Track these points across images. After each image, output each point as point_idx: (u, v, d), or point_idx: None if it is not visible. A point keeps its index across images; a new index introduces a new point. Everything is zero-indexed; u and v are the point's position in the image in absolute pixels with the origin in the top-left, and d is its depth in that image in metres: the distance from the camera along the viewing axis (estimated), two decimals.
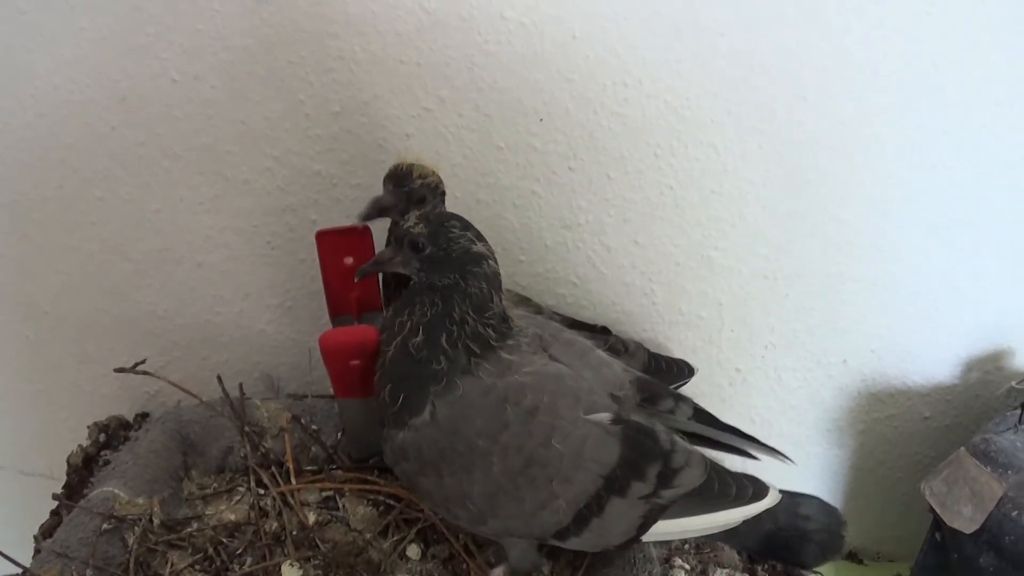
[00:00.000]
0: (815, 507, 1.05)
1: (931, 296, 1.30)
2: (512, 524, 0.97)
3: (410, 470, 0.94)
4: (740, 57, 1.13)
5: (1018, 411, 1.23)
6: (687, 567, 1.13)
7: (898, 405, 1.39)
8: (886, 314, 1.31)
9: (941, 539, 1.24)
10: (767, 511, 1.00)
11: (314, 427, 1.18)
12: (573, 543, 0.97)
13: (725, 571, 1.15)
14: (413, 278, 0.93)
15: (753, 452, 1.05)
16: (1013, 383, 1.27)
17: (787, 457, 1.05)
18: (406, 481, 0.98)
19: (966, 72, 1.15)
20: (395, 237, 0.94)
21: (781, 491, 1.01)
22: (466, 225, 0.93)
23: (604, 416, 0.95)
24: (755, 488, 1.00)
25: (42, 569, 0.95)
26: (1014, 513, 1.11)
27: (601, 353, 1.01)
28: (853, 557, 1.54)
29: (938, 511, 1.18)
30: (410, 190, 1.04)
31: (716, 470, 0.99)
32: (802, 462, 1.44)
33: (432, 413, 0.92)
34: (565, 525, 0.96)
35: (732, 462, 1.03)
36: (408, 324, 0.93)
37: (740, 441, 1.04)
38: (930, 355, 1.35)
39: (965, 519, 1.15)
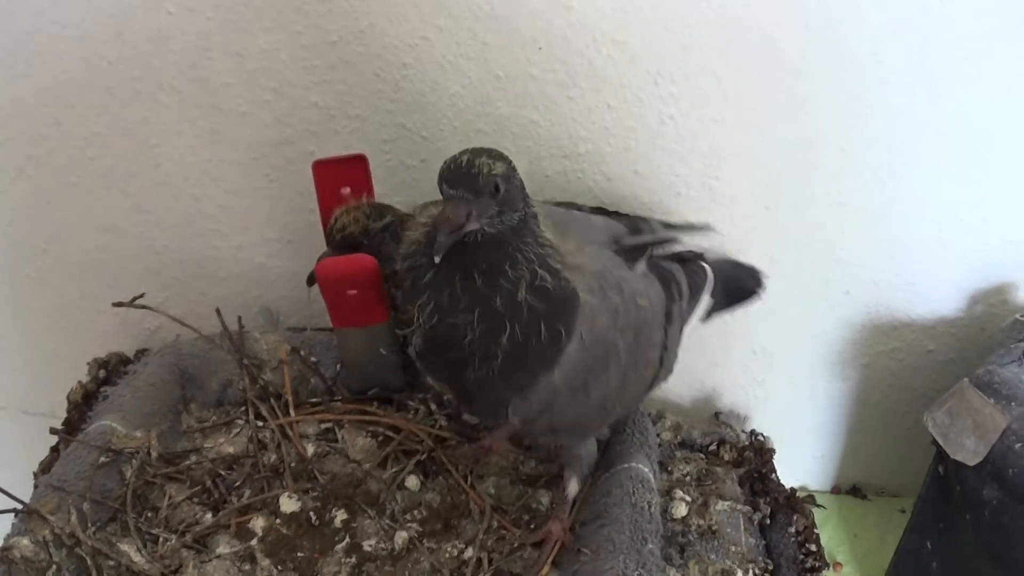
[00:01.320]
0: (722, 264, 1.20)
1: (934, 228, 1.27)
2: (633, 399, 1.08)
3: (561, 404, 0.93)
4: None
5: (1023, 344, 1.20)
6: (688, 499, 1.13)
7: (902, 338, 1.37)
8: (889, 245, 1.29)
9: (944, 472, 1.23)
10: (715, 283, 1.16)
11: (313, 359, 1.18)
12: (655, 387, 1.08)
13: (727, 503, 1.15)
14: (480, 231, 0.85)
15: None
16: (1018, 315, 1.25)
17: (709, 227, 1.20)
18: (547, 424, 0.96)
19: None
20: (463, 191, 0.83)
21: (704, 263, 1.17)
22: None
23: (642, 266, 1.04)
24: (702, 271, 1.15)
25: (39, 503, 0.94)
26: (1018, 445, 1.09)
27: (591, 215, 1.06)
28: (857, 492, 1.55)
29: (941, 443, 1.17)
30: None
31: (685, 271, 1.12)
32: (805, 395, 1.45)
33: (579, 335, 0.91)
34: (657, 372, 1.06)
35: None
36: (524, 274, 0.87)
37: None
38: (934, 288, 1.33)
39: (968, 451, 1.13)
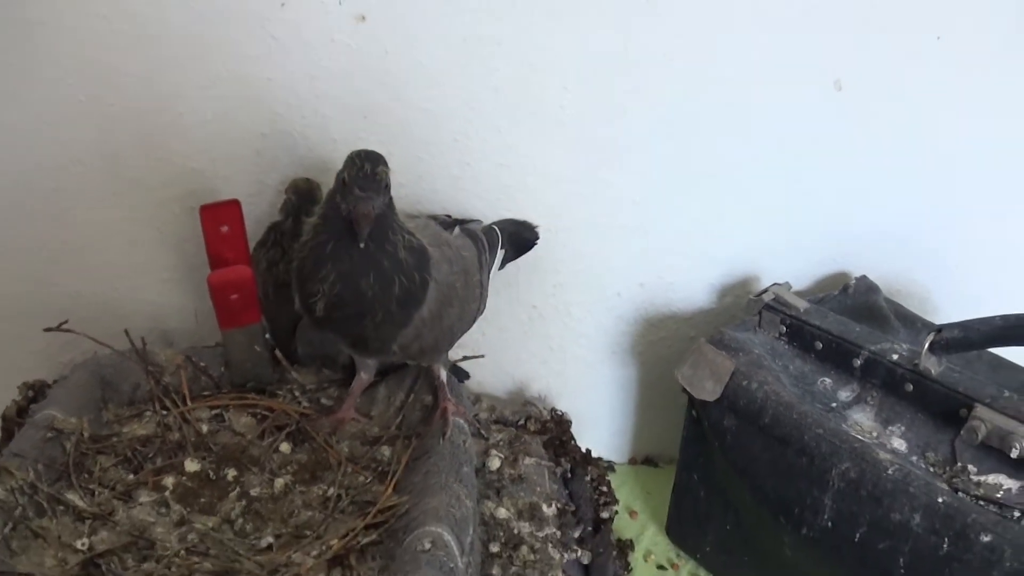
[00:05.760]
0: (504, 223, 1.67)
1: (686, 237, 1.74)
2: (468, 324, 1.51)
3: (427, 331, 1.37)
4: (512, 58, 1.56)
5: (757, 317, 1.62)
6: (501, 456, 1.59)
7: (667, 328, 1.83)
8: (648, 253, 1.76)
9: (696, 414, 1.59)
10: (502, 238, 1.62)
11: (202, 363, 1.60)
12: (477, 317, 1.54)
13: (533, 459, 1.62)
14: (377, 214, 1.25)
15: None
16: (751, 295, 1.65)
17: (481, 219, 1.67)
18: (418, 347, 1.40)
19: (690, 57, 1.59)
20: (371, 192, 1.24)
21: (494, 225, 1.64)
22: None
23: (456, 230, 1.52)
24: (494, 232, 1.61)
25: (5, 463, 1.30)
26: (744, 383, 1.47)
27: None
28: (650, 462, 1.99)
29: (688, 389, 1.55)
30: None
31: (483, 232, 1.58)
32: (597, 381, 1.90)
33: (435, 279, 1.35)
34: (479, 306, 1.53)
35: None
36: (400, 238, 1.30)
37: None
38: (690, 286, 1.80)
39: (708, 392, 1.51)
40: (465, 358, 1.77)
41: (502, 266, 1.66)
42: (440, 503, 1.30)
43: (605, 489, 1.63)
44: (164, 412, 1.53)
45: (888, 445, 1.41)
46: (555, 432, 1.72)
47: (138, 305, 1.73)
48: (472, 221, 1.64)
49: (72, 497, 1.34)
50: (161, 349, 1.62)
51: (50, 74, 1.52)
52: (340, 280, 1.30)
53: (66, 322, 1.54)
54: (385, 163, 1.28)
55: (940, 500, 1.23)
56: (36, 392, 1.59)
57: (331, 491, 1.42)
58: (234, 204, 1.54)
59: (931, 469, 1.36)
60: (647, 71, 1.61)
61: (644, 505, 1.86)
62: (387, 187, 1.28)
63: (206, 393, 1.61)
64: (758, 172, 1.73)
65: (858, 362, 1.50)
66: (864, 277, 1.76)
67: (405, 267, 1.32)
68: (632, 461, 2.01)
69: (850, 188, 1.77)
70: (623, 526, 1.77)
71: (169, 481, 1.41)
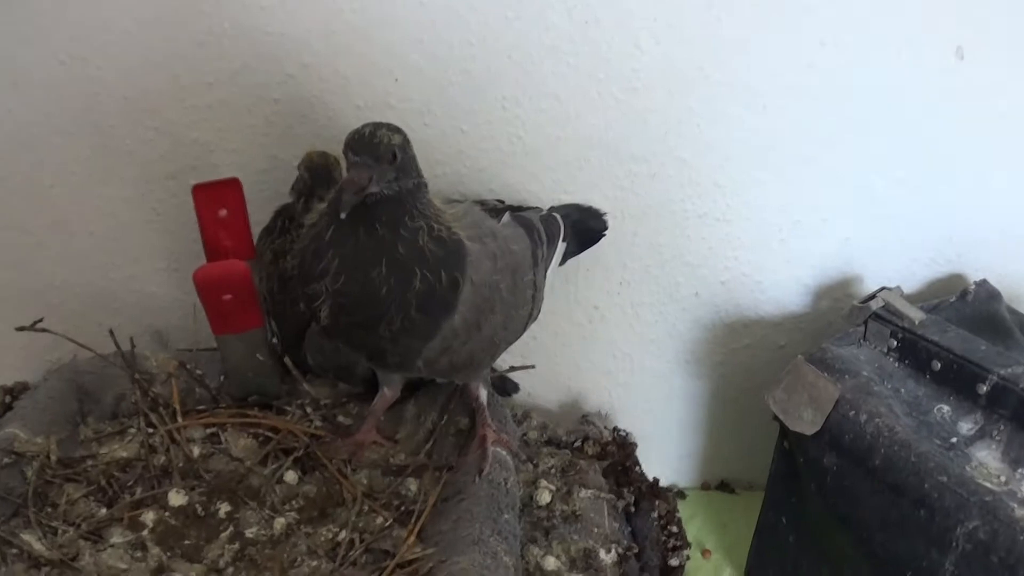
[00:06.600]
0: (567, 209, 1.47)
1: (775, 229, 1.52)
2: (514, 335, 1.31)
3: (459, 343, 1.16)
4: (575, 12, 1.35)
5: (862, 328, 1.42)
6: (552, 488, 1.37)
7: (753, 335, 1.61)
8: (732, 247, 1.54)
9: (788, 447, 1.42)
10: (564, 228, 1.42)
11: (199, 371, 1.40)
12: (529, 324, 1.33)
13: (590, 491, 1.39)
14: (379, 193, 1.06)
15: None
16: (855, 302, 1.44)
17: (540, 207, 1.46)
18: (448, 363, 1.19)
19: (789, 15, 1.39)
20: (365, 157, 1.05)
21: (552, 211, 1.44)
22: None
23: (506, 218, 1.32)
24: (555, 220, 1.41)
25: None
26: (851, 413, 1.28)
27: None
28: (725, 487, 1.78)
29: (781, 418, 1.37)
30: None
31: (541, 221, 1.37)
32: (666, 395, 1.69)
33: (470, 280, 1.14)
34: (531, 310, 1.32)
35: None
36: (422, 225, 1.10)
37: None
38: (779, 285, 1.57)
39: (806, 422, 1.33)
40: (512, 369, 1.59)
41: (563, 261, 1.47)
42: (472, 562, 1.12)
43: (675, 529, 1.41)
44: (150, 431, 1.35)
45: (1019, 493, 1.20)
46: (617, 456, 1.49)
47: (131, 297, 1.56)
48: (529, 208, 1.42)
49: (28, 538, 1.17)
50: (153, 353, 1.45)
51: (26, 32, 1.35)
52: (344, 270, 1.09)
53: (40, 320, 1.39)
54: (395, 130, 1.09)
55: None
56: (15, 397, 1.44)
57: (342, 535, 1.23)
58: (233, 183, 1.34)
59: None
60: (735, 32, 1.40)
61: (719, 542, 1.66)
62: (395, 158, 1.07)
63: (201, 408, 1.43)
64: (860, 155, 1.51)
65: (984, 388, 1.29)
66: (984, 282, 1.54)
67: (429, 259, 1.10)
68: (705, 486, 1.82)
69: (967, 176, 1.56)
70: (695, 568, 1.58)
71: (149, 517, 1.24)
